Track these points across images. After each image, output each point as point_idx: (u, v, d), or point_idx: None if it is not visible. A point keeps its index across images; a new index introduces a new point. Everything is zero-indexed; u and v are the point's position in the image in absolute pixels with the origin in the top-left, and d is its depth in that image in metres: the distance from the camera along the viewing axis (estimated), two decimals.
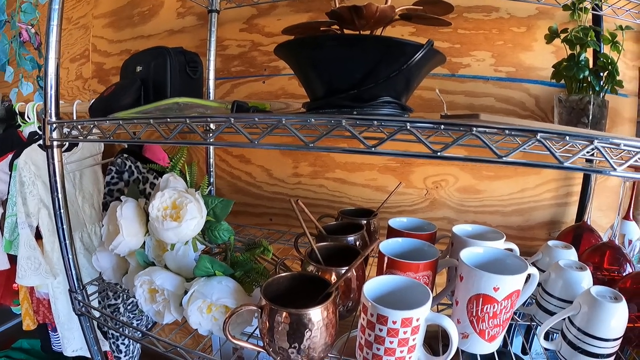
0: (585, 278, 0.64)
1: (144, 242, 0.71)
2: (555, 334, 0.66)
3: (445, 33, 0.91)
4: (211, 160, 1.06)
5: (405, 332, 0.52)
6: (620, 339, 0.56)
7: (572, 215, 0.90)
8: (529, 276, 0.62)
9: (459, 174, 0.92)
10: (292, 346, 0.54)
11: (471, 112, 0.92)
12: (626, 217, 0.84)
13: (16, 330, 1.78)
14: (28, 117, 1.14)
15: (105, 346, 1.05)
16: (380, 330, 0.52)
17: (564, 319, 0.59)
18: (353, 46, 0.51)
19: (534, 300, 0.71)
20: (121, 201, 0.70)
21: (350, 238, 0.71)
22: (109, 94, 0.69)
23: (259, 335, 0.58)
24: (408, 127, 0.43)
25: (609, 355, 0.57)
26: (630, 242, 0.84)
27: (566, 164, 0.40)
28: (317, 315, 0.53)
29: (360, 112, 0.51)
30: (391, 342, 0.53)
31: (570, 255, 0.72)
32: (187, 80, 0.74)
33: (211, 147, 1.05)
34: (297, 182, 1.08)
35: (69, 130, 0.70)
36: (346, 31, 0.59)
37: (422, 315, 0.52)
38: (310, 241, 0.63)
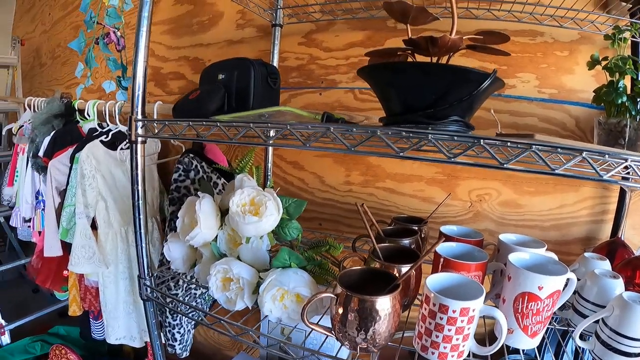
0: (618, 285, 0.75)
1: (216, 236, 0.84)
2: (589, 336, 0.77)
3: (494, 55, 1.03)
4: (269, 164, 1.19)
5: (462, 321, 0.64)
6: None
7: (607, 232, 1.01)
8: (567, 282, 0.73)
9: (502, 189, 1.04)
10: (361, 331, 0.65)
11: (515, 130, 1.04)
12: None
13: (52, 317, 1.93)
14: (88, 114, 1.28)
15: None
16: (441, 318, 0.64)
17: (598, 321, 0.71)
18: (430, 73, 0.64)
19: (570, 307, 0.82)
20: (198, 196, 0.83)
21: (406, 241, 0.83)
22: (195, 97, 0.81)
23: (331, 323, 0.69)
24: (481, 143, 0.55)
25: (639, 355, 0.68)
26: None
27: (605, 177, 0.52)
28: (386, 303, 0.64)
29: (434, 128, 0.63)
30: (449, 330, 0.64)
31: (604, 266, 0.83)
32: (268, 90, 0.86)
33: (270, 153, 1.18)
34: (349, 190, 1.20)
35: (155, 130, 0.82)
36: (418, 56, 0.72)
37: (478, 306, 0.64)
38: (373, 241, 0.75)
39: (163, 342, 1.11)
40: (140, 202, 0.87)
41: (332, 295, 0.66)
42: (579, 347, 0.75)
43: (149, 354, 1.39)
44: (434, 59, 0.71)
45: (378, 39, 1.12)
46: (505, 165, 0.56)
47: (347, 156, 1.17)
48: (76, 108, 1.34)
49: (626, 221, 0.96)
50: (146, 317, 0.95)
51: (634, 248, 0.94)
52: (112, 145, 1.21)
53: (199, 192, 0.83)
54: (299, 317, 0.74)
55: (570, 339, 0.91)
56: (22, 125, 1.64)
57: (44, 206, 1.49)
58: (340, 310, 0.66)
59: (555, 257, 0.83)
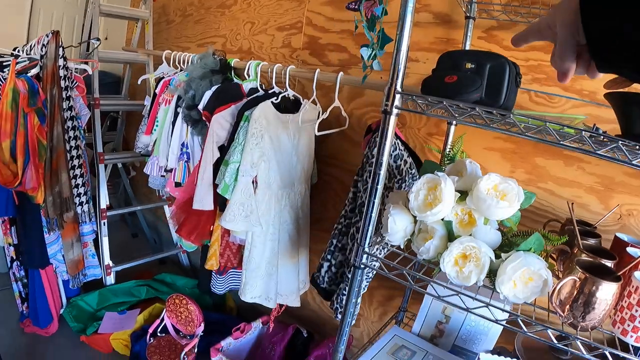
0: None
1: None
2: None
3: None
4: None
5: None
6: None
7: None
8: None
9: None
10: (586, 312, 0.84)
11: None
12: None
13: (152, 264, 2.12)
14: (248, 74, 1.35)
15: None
16: None
17: None
18: None
19: None
20: (437, 175, 0.97)
21: (592, 241, 1.06)
22: (453, 82, 0.91)
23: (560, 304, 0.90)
24: None
25: None
26: None
27: None
28: (614, 289, 0.85)
29: None
30: None
31: None
32: (514, 89, 0.96)
33: (449, 144, 1.33)
34: None
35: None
36: None
37: None
38: (578, 238, 0.97)
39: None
40: (382, 171, 0.98)
41: (577, 278, 0.87)
42: None
43: (272, 314, 1.52)
44: None
45: None
46: None
47: (515, 153, 1.33)
48: (232, 66, 1.38)
49: None
50: (351, 284, 1.06)
51: None
52: (278, 107, 1.30)
53: (435, 172, 0.98)
54: (524, 297, 0.93)
55: None
56: (162, 77, 1.67)
57: (187, 158, 1.54)
58: (576, 292, 0.87)
59: None
